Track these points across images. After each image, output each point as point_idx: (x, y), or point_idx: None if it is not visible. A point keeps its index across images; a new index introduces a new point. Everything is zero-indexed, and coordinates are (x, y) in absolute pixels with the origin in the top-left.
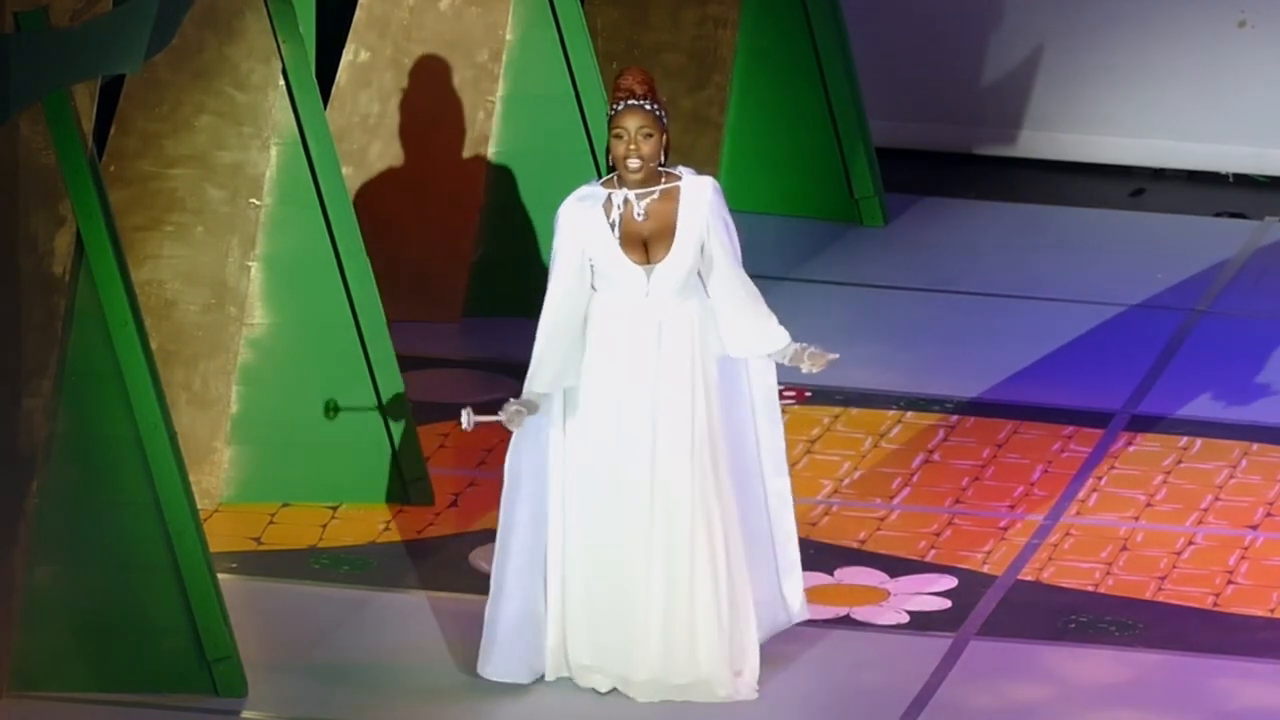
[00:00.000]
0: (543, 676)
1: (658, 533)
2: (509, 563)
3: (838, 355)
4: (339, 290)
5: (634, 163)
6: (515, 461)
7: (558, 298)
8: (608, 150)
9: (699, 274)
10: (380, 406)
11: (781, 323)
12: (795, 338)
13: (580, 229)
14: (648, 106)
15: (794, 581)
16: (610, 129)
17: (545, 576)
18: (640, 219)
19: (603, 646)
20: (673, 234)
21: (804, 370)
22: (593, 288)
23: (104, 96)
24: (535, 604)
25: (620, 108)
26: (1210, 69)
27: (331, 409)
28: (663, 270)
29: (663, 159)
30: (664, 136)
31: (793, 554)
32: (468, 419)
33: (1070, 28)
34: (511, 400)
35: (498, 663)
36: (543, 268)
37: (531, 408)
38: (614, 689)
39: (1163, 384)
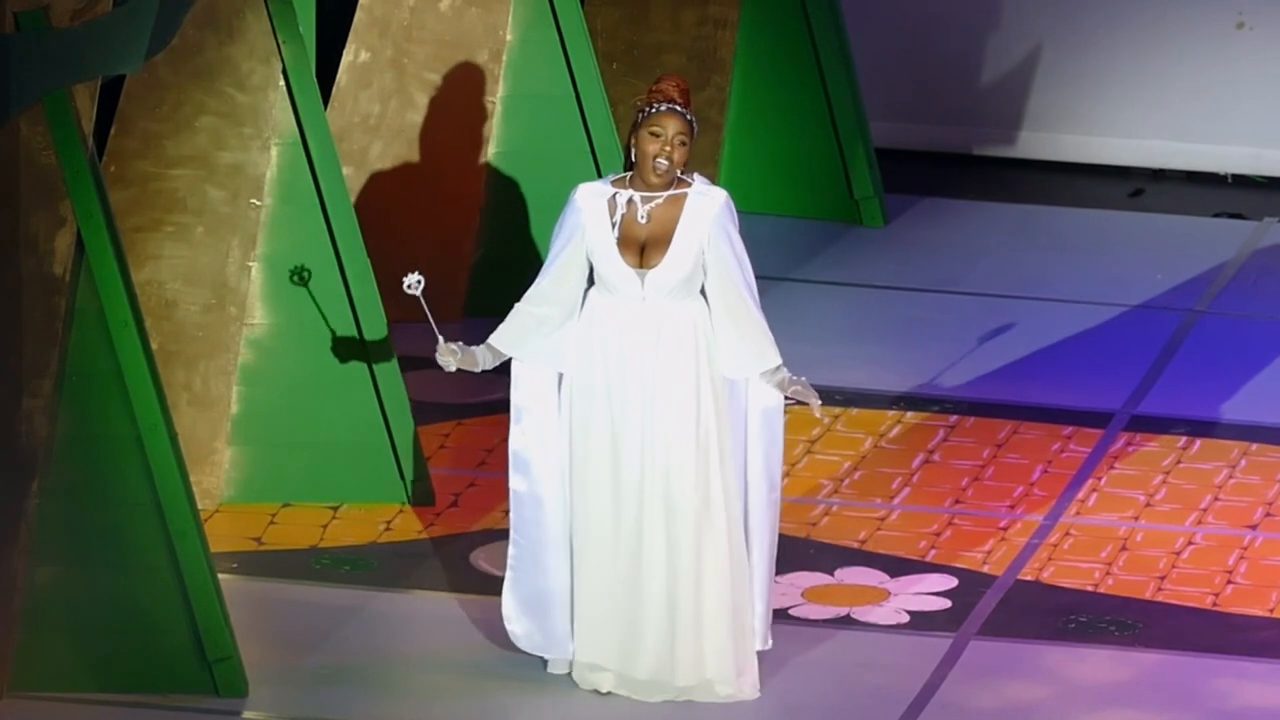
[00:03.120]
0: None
1: (661, 533)
2: (524, 547)
3: (820, 403)
4: (339, 290)
5: (663, 163)
6: (518, 450)
7: (550, 271)
8: (627, 147)
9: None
10: (380, 406)
11: (782, 323)
12: (796, 338)
13: (586, 216)
14: (687, 116)
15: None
16: (645, 126)
17: (554, 561)
18: (642, 221)
19: (605, 646)
20: (670, 240)
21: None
22: (591, 281)
23: (104, 97)
24: (548, 585)
25: (662, 109)
26: (1209, 70)
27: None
28: (656, 276)
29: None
30: (691, 148)
31: (761, 578)
32: (415, 282)
33: (1070, 29)
34: (460, 342)
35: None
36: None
37: (469, 359)
38: (615, 689)
39: (1162, 384)
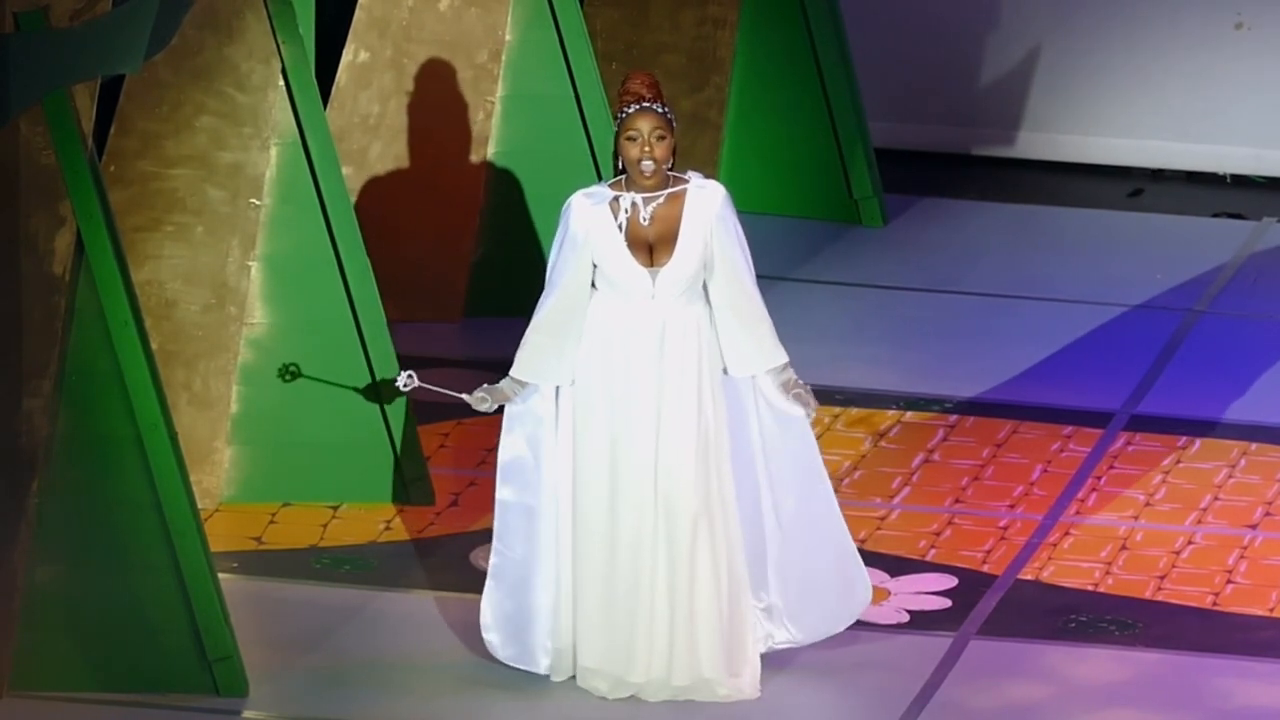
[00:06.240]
0: (547, 675)
1: (660, 534)
2: (508, 557)
3: (814, 413)
4: (339, 290)
5: (648, 165)
6: (509, 461)
7: (557, 289)
8: (615, 154)
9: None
10: (380, 406)
11: (782, 323)
12: (796, 338)
13: (588, 224)
14: (659, 109)
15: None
16: (622, 132)
17: (539, 574)
18: (646, 223)
19: (605, 647)
20: (676, 237)
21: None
22: (593, 286)
23: (104, 97)
24: (531, 599)
25: (632, 110)
26: (1208, 71)
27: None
28: (668, 273)
29: (671, 162)
30: (673, 139)
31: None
32: (407, 380)
33: (1069, 29)
34: (485, 385)
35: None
36: (543, 267)
37: (499, 395)
38: (615, 689)
39: (1162, 384)
